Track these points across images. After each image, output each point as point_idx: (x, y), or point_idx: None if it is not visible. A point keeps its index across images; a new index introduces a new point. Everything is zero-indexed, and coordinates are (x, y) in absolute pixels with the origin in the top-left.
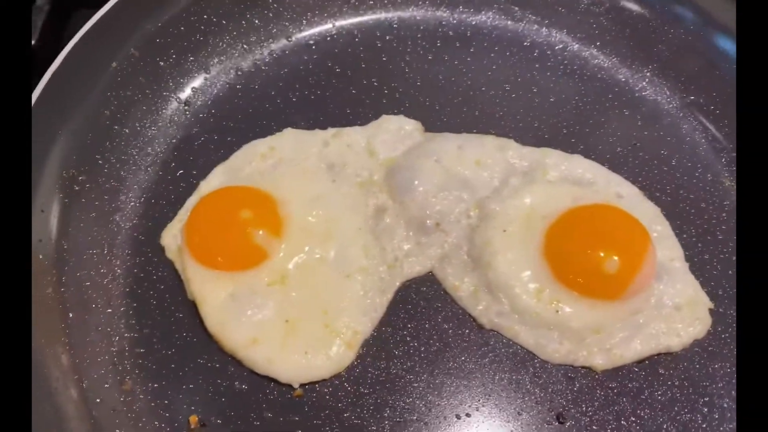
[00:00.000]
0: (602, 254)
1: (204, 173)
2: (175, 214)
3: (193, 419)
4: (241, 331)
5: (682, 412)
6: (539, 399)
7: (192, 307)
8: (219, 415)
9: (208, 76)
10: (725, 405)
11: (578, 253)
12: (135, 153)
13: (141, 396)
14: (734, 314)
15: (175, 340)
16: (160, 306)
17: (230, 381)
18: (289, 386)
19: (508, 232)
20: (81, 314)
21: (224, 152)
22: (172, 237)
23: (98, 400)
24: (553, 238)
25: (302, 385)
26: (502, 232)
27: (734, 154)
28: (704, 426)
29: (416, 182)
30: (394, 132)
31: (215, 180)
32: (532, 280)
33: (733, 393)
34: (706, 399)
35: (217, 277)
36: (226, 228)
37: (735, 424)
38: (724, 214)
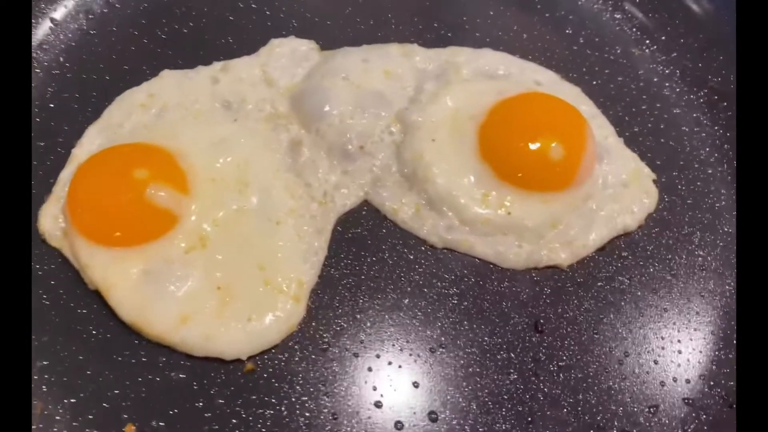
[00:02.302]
0: (545, 143)
1: (74, 138)
2: (48, 192)
3: (130, 429)
4: (165, 312)
5: (653, 290)
6: (512, 312)
7: (96, 298)
8: (159, 417)
9: (53, 26)
10: (690, 270)
11: (520, 147)
12: None
13: (58, 417)
14: (677, 181)
15: (84, 342)
16: (55, 305)
17: (164, 373)
18: (237, 362)
19: (437, 141)
20: None
21: (93, 110)
22: (51, 220)
23: None
24: (488, 137)
25: (252, 358)
26: (431, 142)
27: (638, 22)
28: (675, 296)
29: (327, 106)
30: (289, 55)
31: (91, 143)
32: (475, 185)
33: (696, 259)
34: (673, 272)
35: (122, 256)
36: (119, 195)
37: (701, 287)
38: (641, 83)
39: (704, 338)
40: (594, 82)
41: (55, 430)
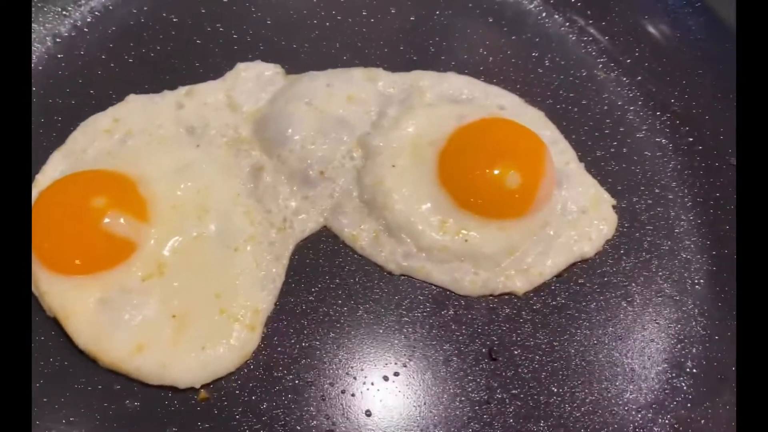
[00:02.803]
0: (501, 170)
1: (38, 164)
2: None
3: None
4: (121, 340)
5: (608, 317)
6: (467, 339)
7: (53, 326)
8: None
9: None
10: (646, 298)
11: (476, 174)
12: None
13: None
14: (637, 207)
15: (40, 368)
16: None
17: (119, 402)
18: (191, 391)
19: (397, 166)
20: None
21: (58, 135)
22: None
23: None
24: (446, 164)
25: (206, 386)
26: (391, 168)
27: (603, 46)
28: (630, 323)
29: (290, 131)
30: (254, 80)
31: (54, 169)
32: (433, 212)
33: (653, 286)
34: (629, 299)
35: (79, 284)
36: (77, 222)
37: (657, 314)
38: (605, 107)
39: (658, 366)
40: (558, 106)
41: None
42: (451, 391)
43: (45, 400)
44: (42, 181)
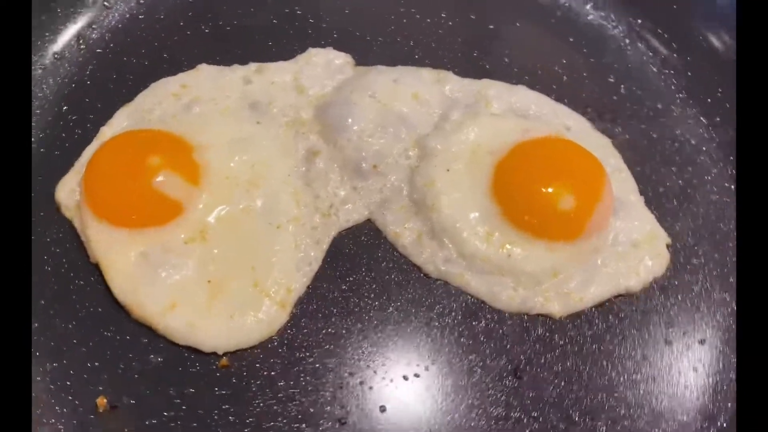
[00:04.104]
0: (559, 191)
1: (105, 117)
2: (71, 165)
3: (101, 401)
4: (156, 297)
5: (644, 356)
6: (494, 353)
7: (95, 272)
8: (131, 395)
9: (106, 5)
10: (688, 343)
11: (531, 190)
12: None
13: (38, 378)
14: (694, 249)
15: (76, 312)
16: (56, 272)
17: (143, 355)
18: (213, 356)
19: (452, 171)
20: None
21: (128, 92)
22: (68, 191)
23: None
24: (502, 176)
25: (228, 354)
26: (445, 171)
27: (685, 81)
28: (667, 367)
29: (350, 120)
30: (323, 66)
31: (119, 124)
32: (480, 222)
33: (697, 333)
34: (669, 341)
35: (125, 236)
36: (131, 178)
37: (697, 360)
38: (676, 144)
39: (688, 414)
40: (627, 136)
41: (34, 389)
42: (470, 401)
43: (74, 341)
44: (106, 133)
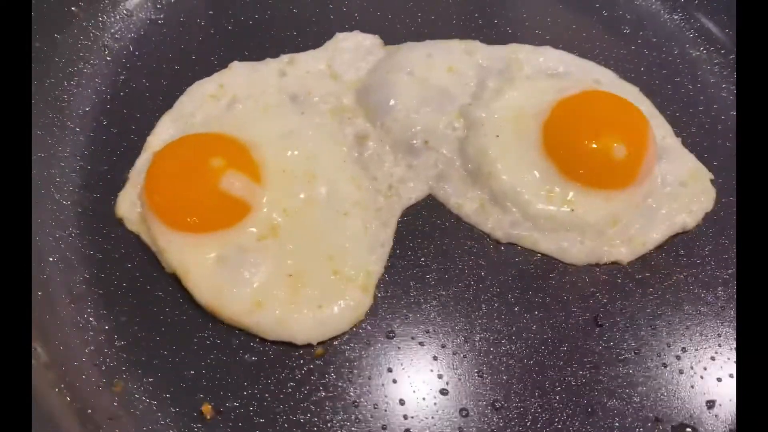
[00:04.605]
0: (609, 141)
1: (148, 126)
2: (122, 178)
3: (206, 408)
4: (241, 297)
5: (711, 288)
6: (572, 306)
7: (172, 281)
8: (235, 397)
9: (125, 14)
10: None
11: (584, 144)
12: (58, 117)
13: (137, 395)
14: (734, 182)
15: (161, 323)
16: (133, 287)
17: (238, 355)
18: (307, 347)
19: (501, 137)
20: (43, 314)
21: (165, 99)
22: (129, 205)
23: (89, 411)
24: (552, 134)
25: (321, 344)
26: (495, 138)
27: (697, 24)
28: (734, 292)
29: (393, 101)
30: (353, 50)
31: (164, 132)
32: (539, 182)
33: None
34: (730, 270)
35: (198, 241)
36: (196, 182)
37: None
38: (699, 84)
39: None
40: (652, 82)
41: (134, 409)
42: (559, 354)
43: (165, 353)
44: (154, 143)
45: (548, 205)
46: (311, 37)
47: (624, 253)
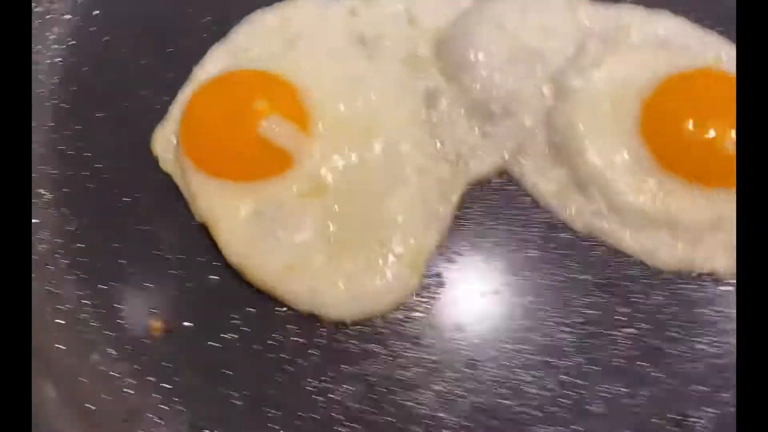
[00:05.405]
0: (722, 131)
1: (197, 57)
2: (165, 110)
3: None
4: (273, 258)
5: None
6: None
7: (202, 232)
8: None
9: None
10: None
11: (691, 132)
12: (103, 37)
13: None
14: None
15: (192, 287)
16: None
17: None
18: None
19: (595, 112)
20: None
21: (219, 29)
22: (165, 141)
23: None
24: (654, 116)
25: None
26: (589, 113)
27: None
28: None
29: (475, 56)
30: None
31: (214, 65)
32: (631, 169)
33: None
34: None
35: (232, 191)
36: (234, 125)
37: None
38: None
39: None
40: None
41: None
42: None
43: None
44: (201, 75)
45: (640, 198)
46: None
47: (723, 264)
